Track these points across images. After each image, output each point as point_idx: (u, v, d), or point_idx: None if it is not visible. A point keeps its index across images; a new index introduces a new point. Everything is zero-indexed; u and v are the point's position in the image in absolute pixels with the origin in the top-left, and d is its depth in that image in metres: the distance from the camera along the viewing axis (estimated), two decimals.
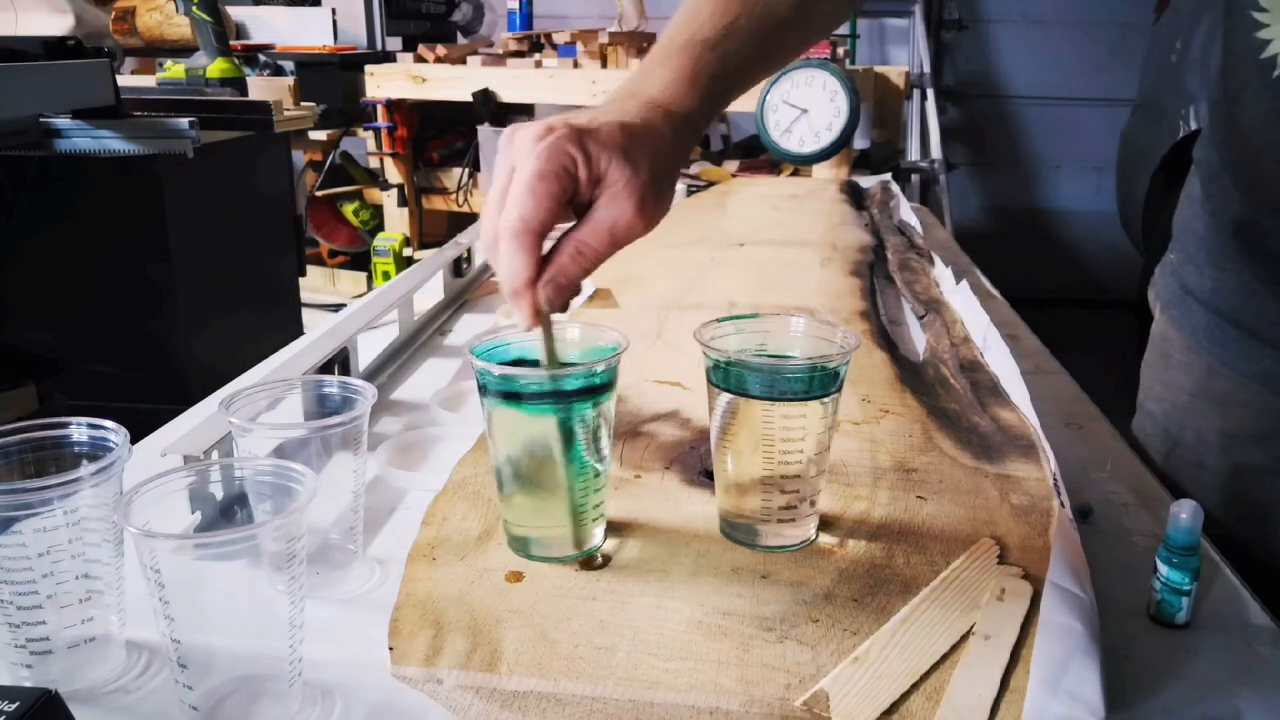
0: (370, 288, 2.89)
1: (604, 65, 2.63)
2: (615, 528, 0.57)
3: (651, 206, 0.51)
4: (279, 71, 2.85)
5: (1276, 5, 0.62)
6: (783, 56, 0.62)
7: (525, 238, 0.48)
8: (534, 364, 0.55)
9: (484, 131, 2.82)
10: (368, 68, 2.83)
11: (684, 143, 0.54)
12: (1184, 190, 0.83)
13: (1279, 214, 0.68)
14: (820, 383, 0.53)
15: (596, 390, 0.52)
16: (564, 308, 0.51)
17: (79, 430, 0.50)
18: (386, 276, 2.76)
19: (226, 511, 0.52)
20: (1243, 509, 0.75)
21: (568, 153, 0.48)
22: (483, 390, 0.53)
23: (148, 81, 2.40)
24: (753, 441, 0.54)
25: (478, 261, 1.21)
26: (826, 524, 0.58)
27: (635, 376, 0.80)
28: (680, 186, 1.64)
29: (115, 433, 0.49)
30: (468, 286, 1.16)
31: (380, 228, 3.06)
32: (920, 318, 0.98)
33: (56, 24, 2.54)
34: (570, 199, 0.49)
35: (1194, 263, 0.79)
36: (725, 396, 0.54)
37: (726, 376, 0.54)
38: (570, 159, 0.48)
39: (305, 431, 0.54)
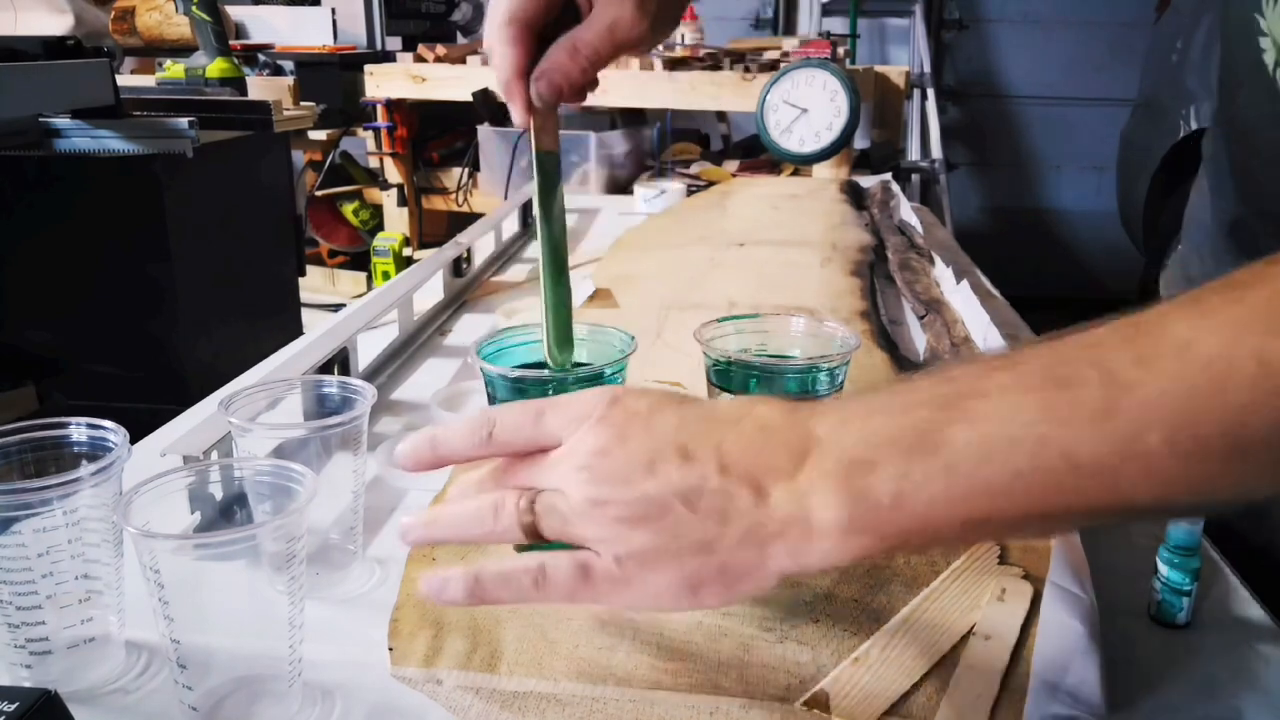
0: (370, 288, 2.89)
1: None
2: None
3: (652, 6, 0.50)
4: (278, 71, 2.85)
5: (1274, 11, 0.62)
6: None
7: (511, 28, 0.48)
8: (541, 365, 0.56)
9: (484, 131, 2.82)
10: (367, 67, 2.83)
11: None
12: (1195, 181, 0.83)
13: (1265, 217, 0.68)
14: (820, 383, 0.53)
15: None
16: (559, 101, 0.50)
17: (78, 430, 0.50)
18: (386, 276, 2.76)
19: (226, 512, 0.52)
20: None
21: None
22: (491, 397, 0.53)
23: (147, 81, 2.40)
24: None
25: (478, 261, 1.21)
26: None
27: (635, 377, 0.80)
28: (680, 186, 1.64)
29: (115, 433, 0.49)
30: (468, 286, 1.16)
31: (380, 227, 3.06)
32: (921, 318, 0.98)
33: (56, 24, 2.54)
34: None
35: (1199, 254, 0.79)
36: (725, 397, 0.54)
37: (726, 376, 0.54)
38: None
39: (305, 432, 0.54)
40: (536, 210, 0.52)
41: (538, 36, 0.49)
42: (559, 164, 0.52)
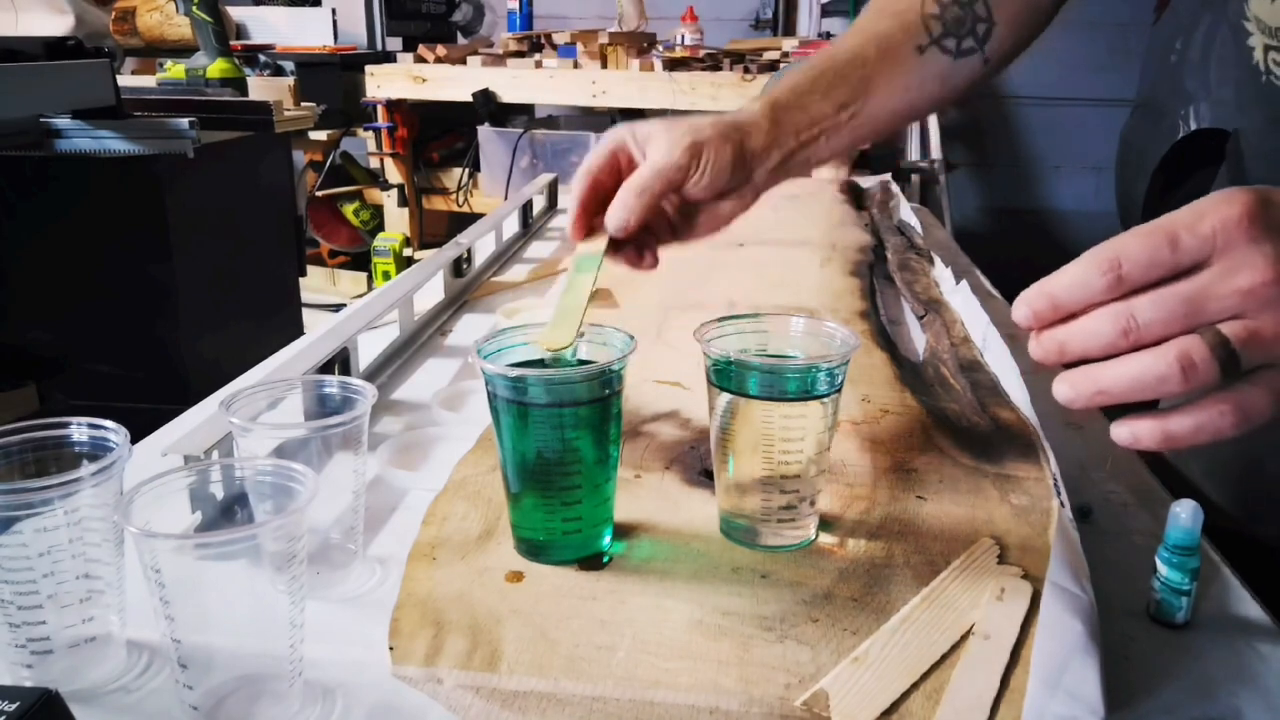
0: (370, 288, 2.89)
1: (604, 65, 2.63)
2: (615, 527, 0.57)
3: (699, 150, 0.61)
4: (279, 72, 2.85)
5: (1261, 12, 0.62)
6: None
7: (584, 178, 0.63)
8: (542, 364, 0.56)
9: (484, 132, 2.82)
10: (368, 68, 2.84)
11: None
12: (1215, 180, 0.83)
13: None
14: (820, 383, 0.53)
15: (609, 395, 0.52)
16: (623, 231, 0.62)
17: (79, 430, 0.50)
18: (387, 276, 2.77)
19: (227, 511, 0.52)
20: (1238, 488, 0.74)
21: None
22: (491, 396, 0.53)
23: (148, 82, 2.40)
24: (753, 441, 0.54)
25: (478, 262, 1.21)
26: (826, 523, 0.58)
27: (635, 377, 0.80)
28: None
29: (116, 433, 0.49)
30: (468, 287, 1.16)
31: (380, 228, 3.06)
32: (920, 318, 0.98)
33: (57, 24, 2.54)
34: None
35: None
36: (725, 396, 0.54)
37: (726, 376, 0.54)
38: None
39: (306, 431, 0.54)
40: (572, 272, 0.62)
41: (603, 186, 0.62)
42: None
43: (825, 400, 0.53)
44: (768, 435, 0.53)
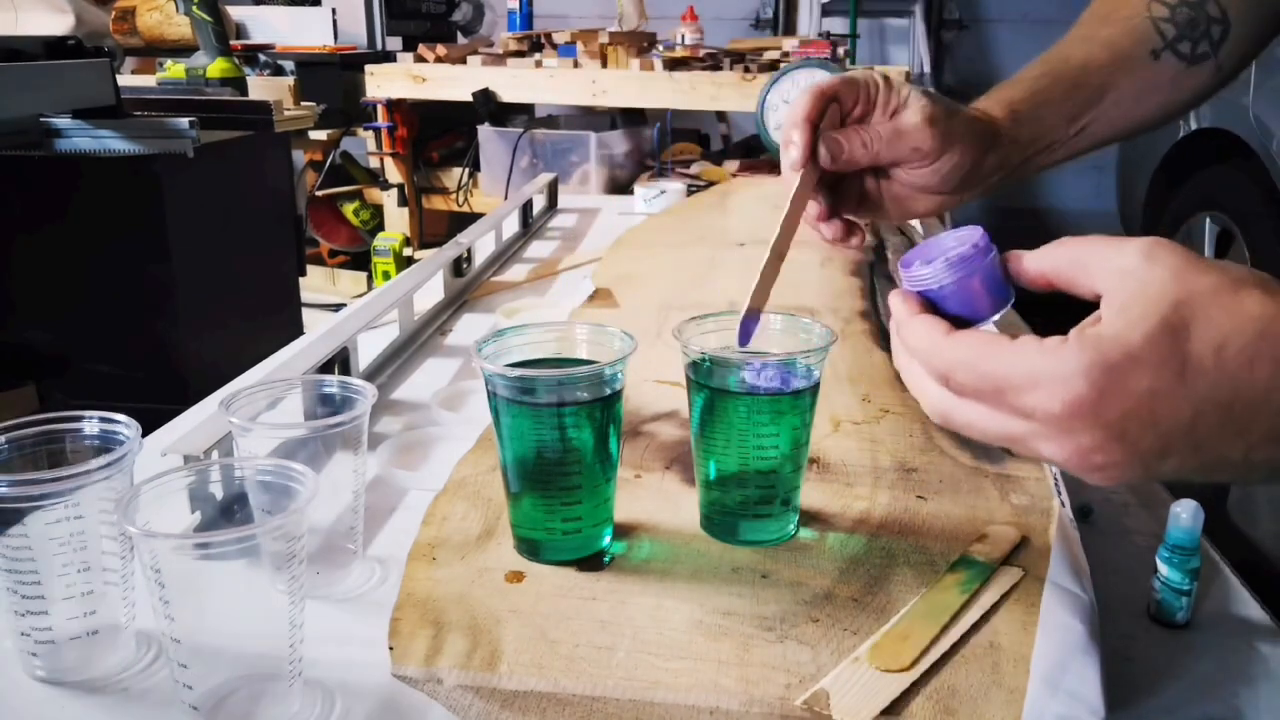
0: (370, 287, 2.89)
1: (604, 65, 2.63)
2: (615, 527, 0.57)
3: (950, 140, 0.56)
4: (279, 71, 2.85)
5: None
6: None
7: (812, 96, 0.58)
8: (542, 364, 0.56)
9: (484, 131, 2.82)
10: (368, 67, 2.84)
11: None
12: None
13: None
14: (796, 379, 0.53)
15: (609, 395, 0.52)
16: (832, 163, 0.57)
17: (91, 424, 0.50)
18: (387, 276, 2.76)
19: (226, 511, 0.52)
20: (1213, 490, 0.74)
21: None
22: (491, 395, 0.53)
23: (148, 81, 2.40)
24: (729, 437, 0.54)
25: (478, 261, 1.21)
26: (826, 522, 0.58)
27: (635, 376, 0.80)
28: (680, 186, 1.64)
29: (127, 427, 0.50)
30: (468, 286, 1.16)
31: (380, 227, 3.06)
32: None
33: (57, 23, 2.54)
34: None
35: None
36: (703, 393, 0.55)
37: (704, 373, 0.54)
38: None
39: (305, 431, 0.54)
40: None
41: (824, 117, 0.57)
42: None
43: (802, 396, 0.54)
44: (743, 431, 0.54)
